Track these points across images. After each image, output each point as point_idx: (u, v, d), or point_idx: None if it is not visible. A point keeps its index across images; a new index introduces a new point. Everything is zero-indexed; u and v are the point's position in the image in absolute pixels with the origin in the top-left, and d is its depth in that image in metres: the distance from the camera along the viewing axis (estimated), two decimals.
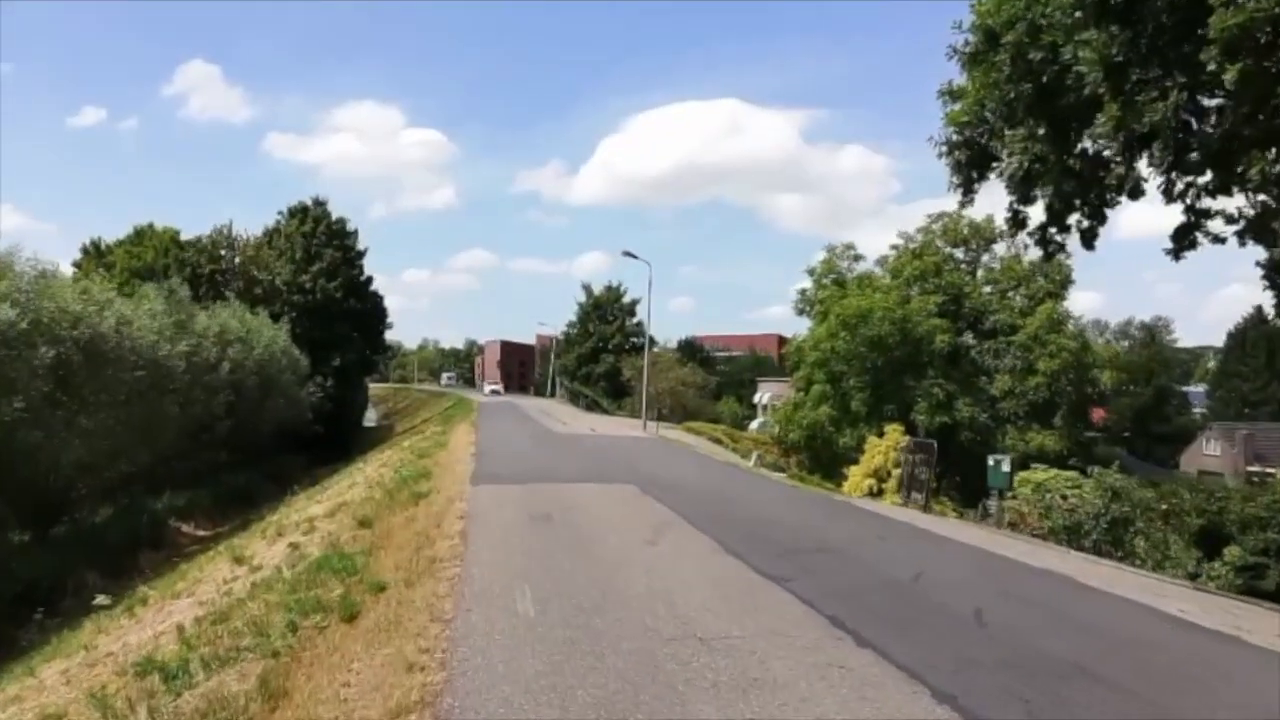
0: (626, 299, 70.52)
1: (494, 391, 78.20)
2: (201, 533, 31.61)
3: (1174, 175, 11.19)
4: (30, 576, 19.64)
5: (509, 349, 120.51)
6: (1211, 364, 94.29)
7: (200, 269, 52.10)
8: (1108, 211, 12.73)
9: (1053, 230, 12.93)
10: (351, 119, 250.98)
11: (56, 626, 16.02)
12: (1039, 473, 26.52)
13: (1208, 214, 11.64)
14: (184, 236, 55.81)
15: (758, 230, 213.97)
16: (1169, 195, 11.67)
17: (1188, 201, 11.66)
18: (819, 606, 6.13)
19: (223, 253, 55.91)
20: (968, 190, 13.20)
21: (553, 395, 73.09)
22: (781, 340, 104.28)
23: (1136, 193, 12.15)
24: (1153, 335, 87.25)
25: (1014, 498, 21.01)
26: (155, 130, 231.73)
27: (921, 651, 5.10)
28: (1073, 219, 12.88)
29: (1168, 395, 72.16)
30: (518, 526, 9.27)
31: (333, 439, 50.51)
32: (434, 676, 4.63)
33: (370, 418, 77.26)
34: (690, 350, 68.98)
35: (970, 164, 12.92)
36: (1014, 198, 13.03)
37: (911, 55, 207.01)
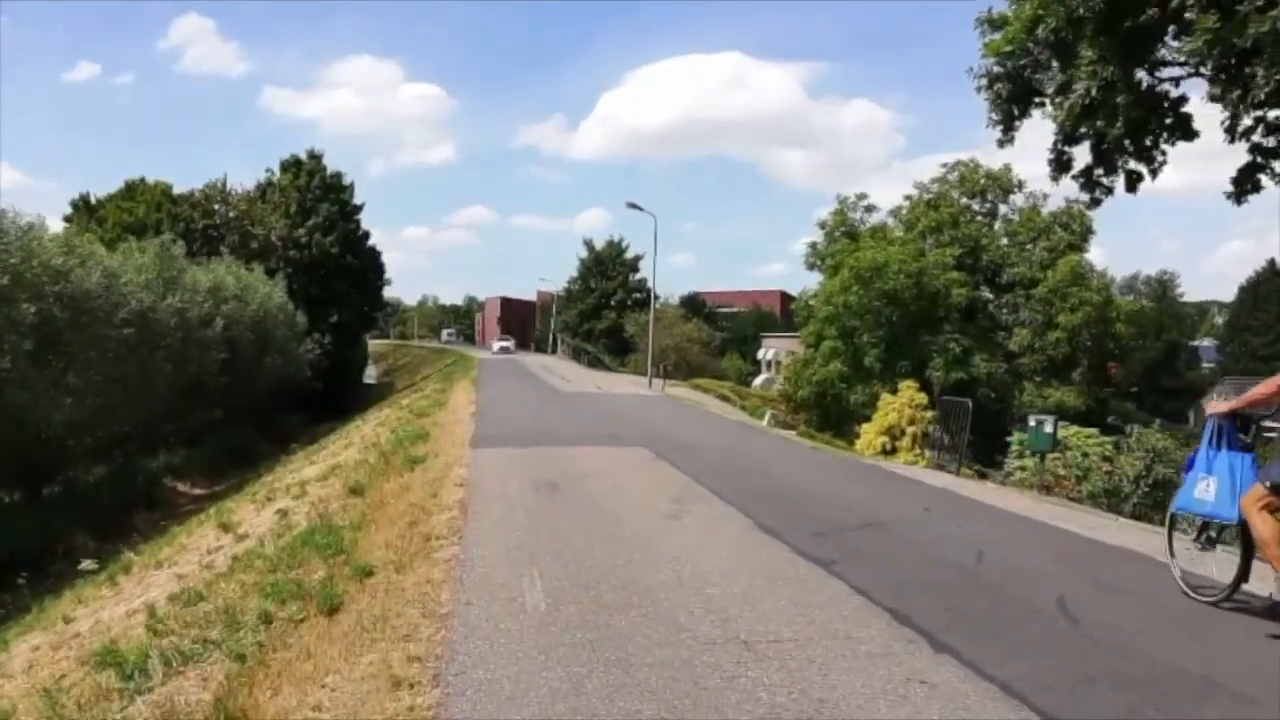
0: (629, 254, 69.33)
1: (503, 349, 70.36)
2: (197, 492, 31.02)
3: (1241, 108, 10.17)
4: (20, 538, 19.02)
5: (509, 305, 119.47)
6: (1218, 319, 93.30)
7: (193, 224, 51.04)
8: (1157, 155, 11.74)
9: (1099, 172, 11.92)
10: (349, 74, 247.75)
11: (43, 591, 15.38)
12: (1060, 430, 25.68)
13: (1276, 153, 10.63)
14: (177, 191, 54.79)
15: (760, 186, 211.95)
16: (1232, 134, 10.64)
17: (1254, 140, 10.64)
18: (877, 598, 5.24)
19: (216, 207, 54.75)
20: (1008, 128, 12.16)
21: (554, 352, 72.12)
22: (785, 296, 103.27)
23: (1190, 133, 11.17)
24: (1165, 289, 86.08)
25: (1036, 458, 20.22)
26: (151, 85, 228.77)
27: (1016, 661, 4.21)
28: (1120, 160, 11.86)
29: (1178, 350, 71.33)
30: (522, 497, 8.38)
31: (332, 397, 49.88)
32: (425, 697, 3.75)
33: (370, 375, 76.73)
34: (693, 306, 67.91)
35: (1012, 98, 11.85)
36: (1059, 137, 11.99)
37: (917, 7, 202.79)
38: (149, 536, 19.61)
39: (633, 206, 30.33)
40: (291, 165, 57.46)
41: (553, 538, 6.69)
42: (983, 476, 22.51)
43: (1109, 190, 12.03)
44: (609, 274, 69.31)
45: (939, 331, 27.87)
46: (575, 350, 59.79)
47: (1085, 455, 16.65)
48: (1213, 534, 5.54)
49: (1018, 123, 12.04)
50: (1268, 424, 5.34)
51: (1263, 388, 5.21)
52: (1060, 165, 12.20)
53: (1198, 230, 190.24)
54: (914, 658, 4.22)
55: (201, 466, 32.21)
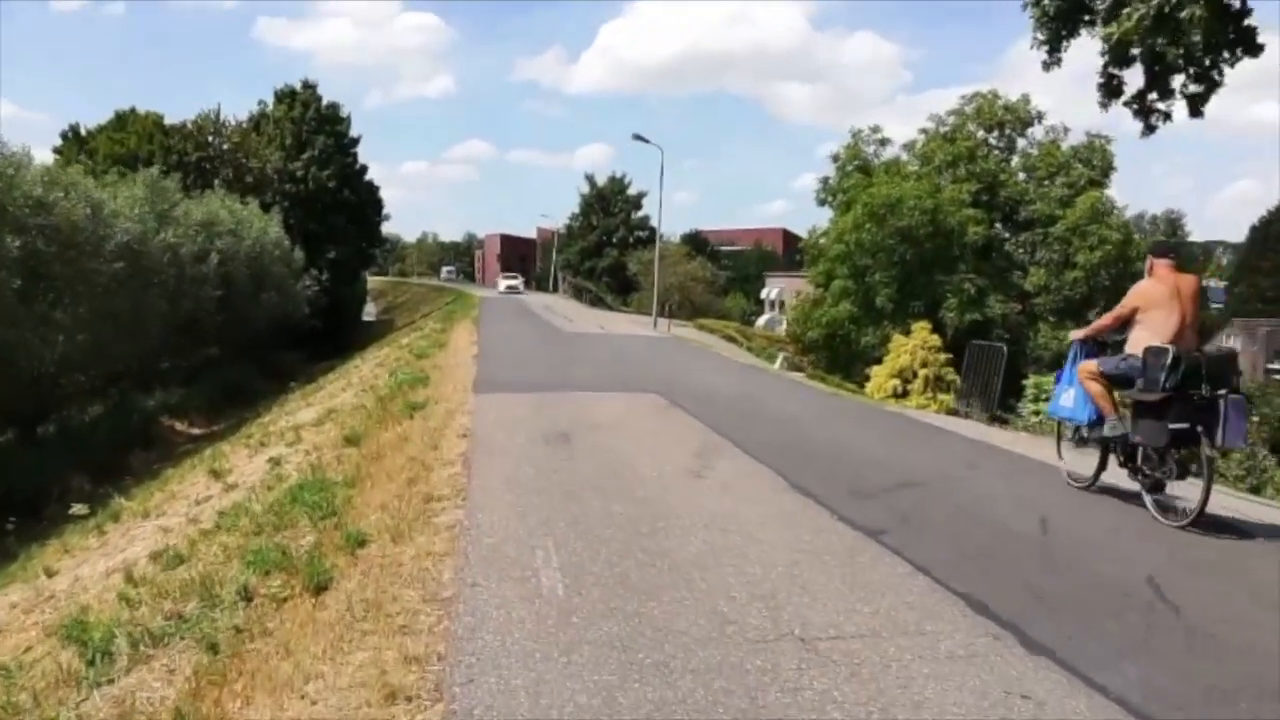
0: (631, 191, 67.95)
1: (510, 289, 64.62)
2: (195, 431, 30.60)
3: None
4: (13, 479, 18.63)
5: (509, 242, 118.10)
6: (1223, 259, 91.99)
7: (186, 156, 49.84)
8: (1216, 75, 10.78)
9: (1153, 97, 10.98)
10: (345, 3, 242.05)
11: (32, 537, 14.97)
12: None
13: None
14: (170, 123, 53.43)
15: (763, 122, 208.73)
16: None
17: None
18: (943, 578, 4.57)
19: (210, 139, 53.43)
20: (1054, 49, 11.17)
21: (554, 291, 71.15)
22: (787, 235, 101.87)
23: (1254, 47, 10.24)
24: (1175, 227, 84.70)
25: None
26: (141, 15, 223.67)
27: (1125, 662, 3.54)
28: (1177, 82, 10.91)
29: None
30: (531, 451, 7.69)
31: (331, 334, 49.35)
32: (425, 715, 3.10)
33: (369, 312, 76.15)
34: (695, 244, 66.71)
35: (1060, 16, 10.85)
36: (1109, 59, 11.02)
37: None
38: (143, 479, 19.13)
39: (638, 139, 29.21)
40: (286, 96, 55.87)
41: (566, 499, 6.01)
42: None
43: (1166, 116, 11.10)
44: (611, 210, 67.98)
45: (953, 271, 27.02)
46: (577, 289, 58.86)
47: None
48: (1083, 434, 7.06)
49: (1065, 43, 11.08)
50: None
51: (1106, 319, 6.98)
52: (1110, 90, 11.23)
53: (1205, 169, 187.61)
54: (1005, 661, 3.54)
55: (199, 405, 31.76)
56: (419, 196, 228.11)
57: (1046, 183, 28.38)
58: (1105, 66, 11.06)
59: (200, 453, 20.60)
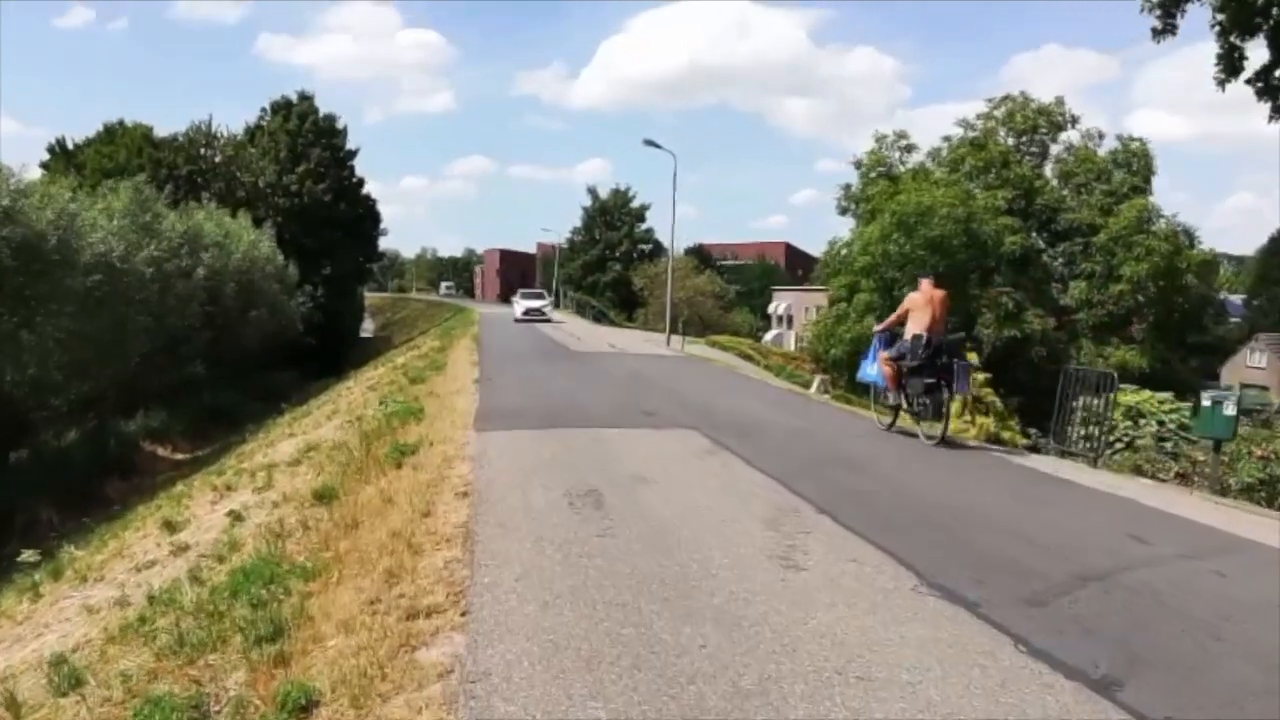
0: (635, 203, 66.36)
1: (533, 312, 41.86)
2: (179, 456, 29.07)
3: None
4: None
5: (508, 258, 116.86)
6: (1228, 272, 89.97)
7: (176, 170, 48.25)
8: None
9: None
10: (346, 19, 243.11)
11: None
12: (1128, 394, 23.14)
13: None
14: (161, 135, 52.03)
15: (762, 136, 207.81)
16: None
17: None
18: None
19: (202, 151, 51.90)
20: (1167, 17, 9.37)
21: (556, 306, 69.38)
22: (789, 249, 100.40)
23: None
24: (1191, 239, 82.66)
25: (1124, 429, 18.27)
26: (145, 31, 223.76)
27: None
28: None
29: (1205, 302, 68.04)
30: (553, 521, 5.77)
31: (327, 352, 47.68)
32: None
33: (367, 329, 74.78)
34: (699, 257, 65.08)
35: None
36: (1229, 30, 9.20)
37: None
38: (113, 514, 17.39)
39: (650, 144, 27.40)
40: (281, 108, 54.21)
41: (615, 615, 4.10)
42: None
43: None
44: (614, 224, 66.39)
45: (988, 284, 25.19)
46: (579, 304, 57.03)
47: (1160, 424, 15.12)
48: (884, 398, 11.58)
49: (1179, 12, 9.31)
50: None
51: (892, 317, 11.15)
52: (1230, 66, 9.43)
53: (1204, 182, 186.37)
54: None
55: (183, 429, 30.19)
56: (419, 212, 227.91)
57: (1085, 190, 26.57)
58: (1224, 40, 9.27)
59: (178, 483, 18.84)
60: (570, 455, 8.24)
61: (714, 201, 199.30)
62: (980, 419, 22.83)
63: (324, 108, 54.34)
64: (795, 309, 73.27)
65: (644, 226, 66.25)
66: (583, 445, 8.84)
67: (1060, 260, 25.81)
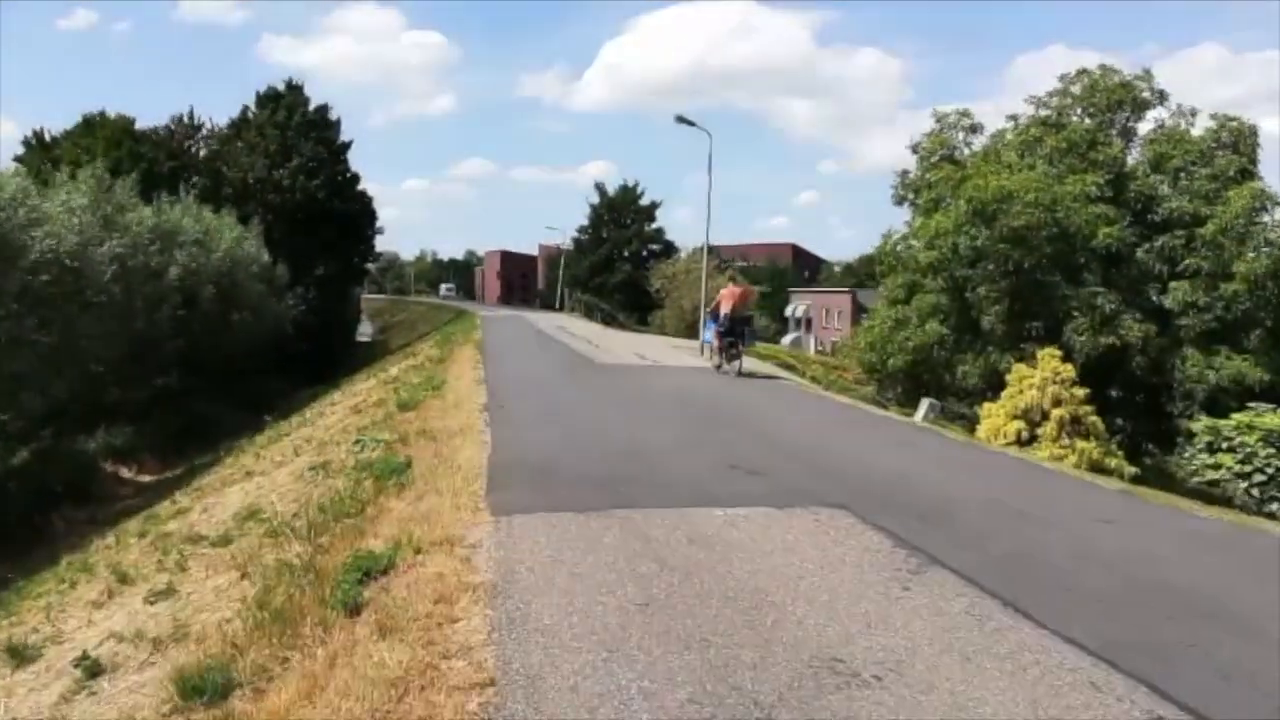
0: (644, 201, 62.87)
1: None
2: (145, 478, 26.06)
3: None
4: None
5: (509, 259, 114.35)
6: None
7: (158, 165, 44.96)
8: None
9: None
10: (349, 20, 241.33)
11: None
12: (1267, 416, 19.48)
13: None
14: (142, 127, 48.97)
15: (765, 137, 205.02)
16: None
17: None
18: None
19: (187, 145, 48.59)
20: None
21: (560, 309, 65.82)
22: (796, 250, 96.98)
23: None
24: None
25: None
26: (148, 32, 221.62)
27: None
28: None
29: None
30: None
31: (320, 357, 44.39)
32: None
33: (366, 332, 71.79)
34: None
35: None
36: None
37: None
38: (57, 552, 14.41)
39: (683, 121, 23.85)
40: (269, 99, 50.64)
41: None
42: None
43: None
44: (623, 222, 62.78)
45: (1078, 283, 21.63)
46: (587, 306, 53.38)
47: None
48: (714, 351, 18.49)
49: None
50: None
51: (714, 305, 18.20)
52: None
53: None
54: None
55: (153, 445, 26.98)
56: (420, 214, 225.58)
57: (1185, 175, 22.94)
58: None
59: (140, 514, 15.65)
60: (668, 582, 4.69)
61: (716, 202, 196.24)
62: (1080, 444, 19.38)
63: (326, 104, 51.00)
64: (814, 311, 69.87)
65: (654, 225, 62.83)
66: (677, 549, 5.28)
67: (1156, 256, 22.22)
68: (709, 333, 19.31)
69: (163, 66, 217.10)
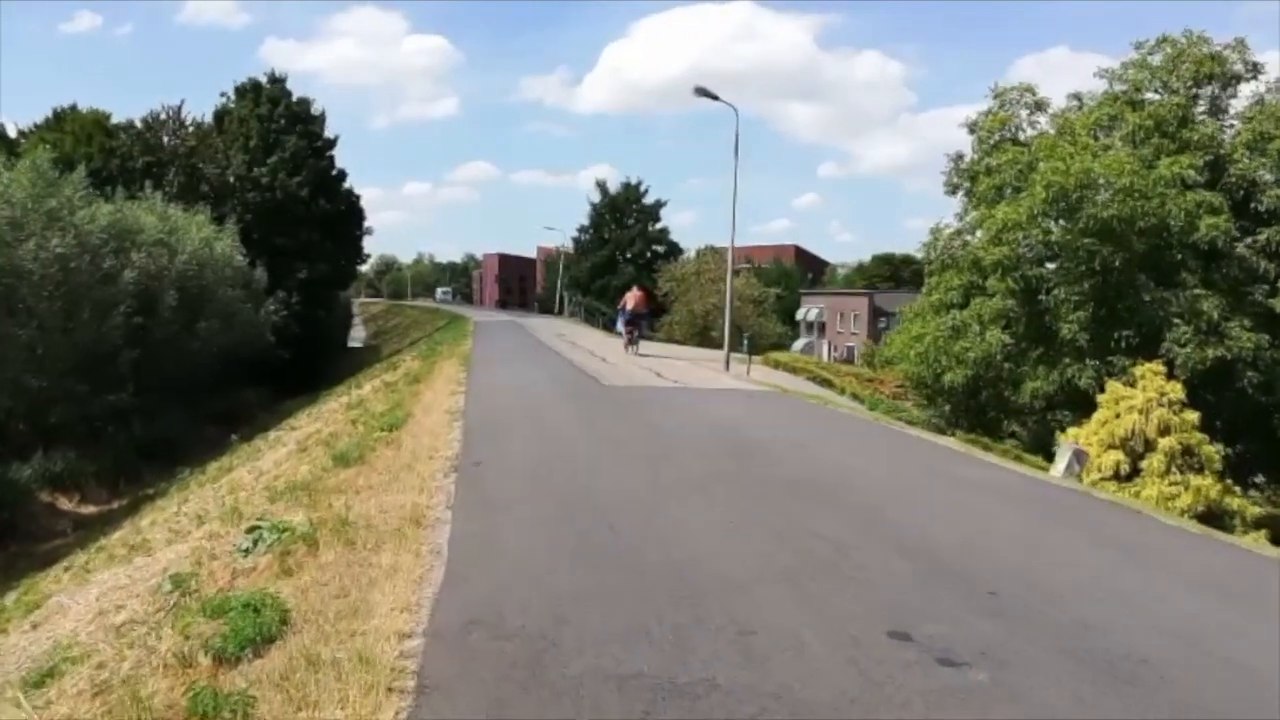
0: (648, 200, 59.67)
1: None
2: (88, 509, 23.10)
3: None
4: None
5: (508, 262, 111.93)
6: None
7: (131, 160, 41.75)
8: None
9: None
10: (352, 24, 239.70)
11: None
12: None
13: None
14: (116, 121, 46.02)
15: (766, 141, 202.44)
16: None
17: None
18: None
19: (164, 139, 45.30)
20: None
21: (560, 313, 62.43)
22: (799, 252, 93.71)
23: None
24: None
25: None
26: (151, 36, 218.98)
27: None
28: None
29: None
30: None
31: (303, 366, 41.15)
32: None
33: (358, 337, 68.54)
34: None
35: None
36: None
37: None
38: None
39: (703, 93, 20.43)
40: (249, 91, 47.35)
41: None
42: None
43: None
44: (625, 222, 59.53)
45: (1175, 284, 18.29)
46: (588, 310, 50.04)
47: None
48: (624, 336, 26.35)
49: None
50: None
51: (622, 302, 28.16)
52: None
53: None
54: None
55: (102, 470, 23.66)
56: (422, 218, 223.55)
57: None
58: None
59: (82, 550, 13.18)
60: None
61: (717, 205, 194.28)
62: (1194, 480, 15.80)
63: (327, 112, 48.01)
64: (828, 315, 66.49)
65: (658, 226, 59.69)
66: None
67: (1260, 252, 18.89)
68: (620, 323, 26.62)
69: (165, 70, 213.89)
